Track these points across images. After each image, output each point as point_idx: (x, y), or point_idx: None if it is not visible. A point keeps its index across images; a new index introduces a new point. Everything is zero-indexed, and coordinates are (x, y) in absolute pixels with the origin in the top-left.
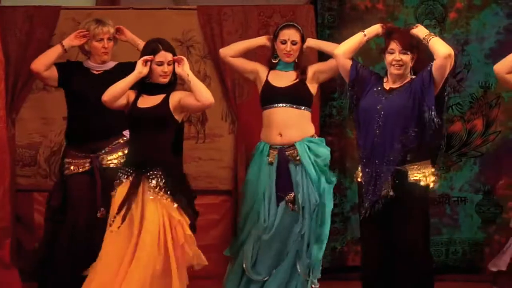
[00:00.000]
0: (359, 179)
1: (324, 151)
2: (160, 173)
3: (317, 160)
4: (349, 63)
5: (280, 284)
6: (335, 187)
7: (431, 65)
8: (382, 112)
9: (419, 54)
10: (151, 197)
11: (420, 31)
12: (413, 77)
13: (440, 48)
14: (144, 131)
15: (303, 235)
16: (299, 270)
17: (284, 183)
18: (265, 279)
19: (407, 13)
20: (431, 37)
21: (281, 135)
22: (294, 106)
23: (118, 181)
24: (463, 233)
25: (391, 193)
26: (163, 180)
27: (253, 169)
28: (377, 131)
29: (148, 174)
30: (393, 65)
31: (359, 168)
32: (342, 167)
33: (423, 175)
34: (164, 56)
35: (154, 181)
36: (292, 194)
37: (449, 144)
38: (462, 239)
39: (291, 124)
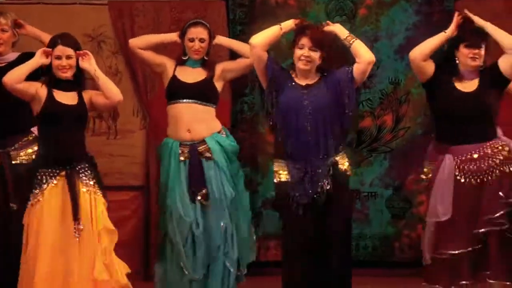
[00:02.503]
0: (281, 179)
1: (233, 144)
2: (86, 167)
3: (227, 153)
4: (265, 55)
5: (221, 280)
6: (247, 182)
7: (352, 68)
8: (310, 108)
9: (328, 53)
10: (84, 189)
11: (339, 30)
12: (324, 74)
13: (365, 53)
14: (64, 127)
15: (226, 229)
16: (228, 264)
17: (197, 179)
18: (201, 277)
19: (318, 9)
20: (353, 40)
21: (189, 131)
22: (201, 103)
23: (43, 184)
24: (373, 228)
25: (328, 186)
26: (92, 174)
27: (165, 167)
28: (309, 128)
29: (77, 169)
30: (301, 60)
31: (279, 168)
32: (254, 163)
33: (347, 165)
34: (61, 50)
35: (84, 176)
36: (204, 190)
37: (360, 139)
38: (373, 233)
39: (199, 120)
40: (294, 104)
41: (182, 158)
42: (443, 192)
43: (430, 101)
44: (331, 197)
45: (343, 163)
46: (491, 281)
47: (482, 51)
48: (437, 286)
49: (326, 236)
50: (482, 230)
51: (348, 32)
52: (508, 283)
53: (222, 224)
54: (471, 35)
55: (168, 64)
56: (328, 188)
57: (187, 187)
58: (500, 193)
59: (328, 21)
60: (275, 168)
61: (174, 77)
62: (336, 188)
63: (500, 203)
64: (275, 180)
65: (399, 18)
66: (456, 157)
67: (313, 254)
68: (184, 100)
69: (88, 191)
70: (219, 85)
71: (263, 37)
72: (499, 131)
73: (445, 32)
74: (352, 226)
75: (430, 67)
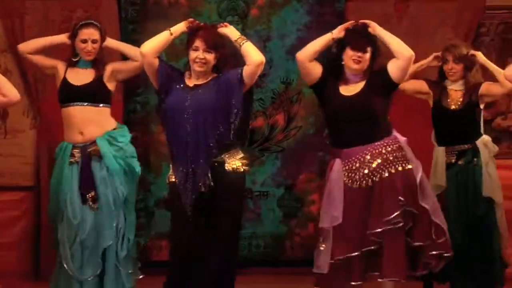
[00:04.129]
0: (172, 180)
1: (126, 141)
2: None
3: (120, 152)
4: (156, 62)
5: (115, 280)
6: (139, 182)
7: (241, 69)
8: (191, 110)
9: (223, 53)
10: None
11: (231, 32)
12: (220, 74)
13: (254, 55)
14: None
15: (118, 229)
16: (119, 264)
17: (86, 181)
18: (90, 278)
19: (210, 9)
20: (244, 42)
21: (82, 134)
22: (92, 104)
23: None
24: (265, 227)
25: (203, 188)
26: None
27: (56, 170)
28: (189, 129)
29: None
30: (196, 63)
31: (170, 170)
32: (147, 162)
33: (240, 163)
34: None
35: None
36: (93, 192)
37: (252, 139)
38: (264, 233)
39: (91, 122)
40: (177, 106)
41: (72, 161)
42: (334, 198)
43: (320, 104)
44: (217, 197)
45: (232, 163)
46: (380, 280)
47: (367, 55)
48: None
49: (210, 237)
50: (378, 230)
51: (239, 33)
52: (396, 279)
53: (114, 224)
54: (356, 37)
55: (59, 66)
56: (208, 189)
57: (77, 189)
58: (400, 198)
59: (222, 23)
60: (170, 170)
61: (64, 80)
62: (222, 188)
63: (396, 203)
64: (167, 181)
65: (291, 18)
66: (346, 160)
67: (197, 254)
68: (75, 103)
69: None
70: (111, 85)
71: (153, 45)
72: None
73: (332, 33)
74: (240, 227)
75: (316, 69)
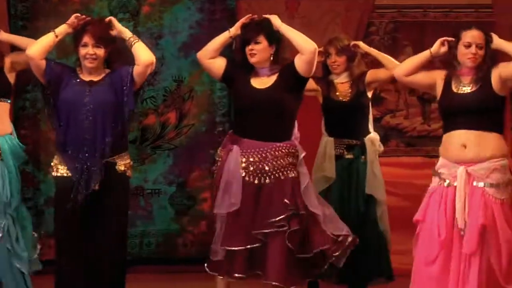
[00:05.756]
0: (58, 174)
1: (16, 145)
2: None
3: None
4: (43, 63)
5: (15, 281)
6: (29, 180)
7: (132, 68)
8: (91, 106)
9: (113, 47)
10: None
11: (123, 31)
12: (112, 70)
13: (144, 55)
14: None
15: (7, 230)
16: (17, 266)
17: None
18: None
19: (101, 6)
20: (135, 41)
21: None
22: None
23: None
24: (157, 224)
25: (97, 186)
26: None
27: None
28: (87, 125)
29: None
30: (87, 59)
31: (58, 162)
32: (36, 160)
33: (126, 166)
34: None
35: None
36: None
37: (144, 137)
38: (156, 230)
39: None
40: (75, 101)
41: None
42: (231, 183)
43: (230, 95)
44: (106, 197)
45: (122, 164)
46: (263, 281)
47: (260, 46)
48: (216, 274)
49: (98, 236)
50: (264, 231)
51: (131, 33)
52: (275, 283)
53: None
54: (246, 31)
55: None
56: (99, 187)
57: None
58: (286, 200)
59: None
60: (54, 162)
61: None
62: (111, 188)
63: (282, 207)
64: (53, 174)
65: (182, 16)
66: (244, 150)
67: (84, 253)
68: None
69: None
70: (10, 76)
71: (38, 48)
72: (296, 134)
73: (229, 31)
74: (127, 226)
75: (218, 65)
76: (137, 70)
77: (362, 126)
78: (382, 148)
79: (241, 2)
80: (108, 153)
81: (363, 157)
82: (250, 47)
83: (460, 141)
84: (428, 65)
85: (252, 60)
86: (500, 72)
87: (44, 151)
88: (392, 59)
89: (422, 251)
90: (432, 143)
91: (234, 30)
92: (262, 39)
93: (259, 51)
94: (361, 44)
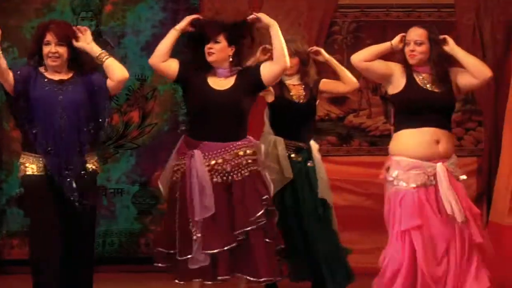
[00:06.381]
0: (27, 173)
1: None
2: None
3: None
4: (10, 74)
5: None
6: None
7: (105, 81)
8: (65, 105)
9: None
10: None
11: (90, 48)
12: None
13: (117, 72)
14: None
15: None
16: None
17: None
18: None
19: (63, 4)
20: (106, 57)
21: None
22: None
23: None
24: (119, 224)
25: (74, 185)
26: None
27: None
28: (62, 124)
29: None
30: (50, 57)
31: (26, 161)
32: None
33: (95, 164)
34: None
35: None
36: None
37: (107, 136)
38: (119, 230)
39: None
40: (48, 99)
41: None
42: (203, 188)
43: (184, 96)
44: (80, 196)
45: (92, 162)
46: (247, 277)
47: (218, 46)
48: (197, 280)
49: (72, 237)
50: (244, 229)
51: (100, 49)
52: (261, 279)
53: None
54: (207, 29)
55: None
56: (75, 186)
57: None
58: (265, 197)
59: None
60: (22, 161)
61: None
62: (85, 188)
63: (257, 203)
64: (21, 173)
65: (146, 14)
66: (206, 153)
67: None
68: None
69: None
70: None
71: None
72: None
73: (176, 30)
74: (95, 224)
75: (171, 68)
76: (110, 84)
77: (310, 130)
78: (320, 157)
79: (204, 1)
80: (84, 151)
81: (310, 161)
82: (209, 45)
83: (433, 138)
84: (387, 59)
85: (209, 58)
86: (456, 80)
87: (6, 150)
88: (349, 74)
89: (425, 254)
90: None
91: (184, 25)
92: (221, 39)
93: (217, 50)
94: (322, 51)
